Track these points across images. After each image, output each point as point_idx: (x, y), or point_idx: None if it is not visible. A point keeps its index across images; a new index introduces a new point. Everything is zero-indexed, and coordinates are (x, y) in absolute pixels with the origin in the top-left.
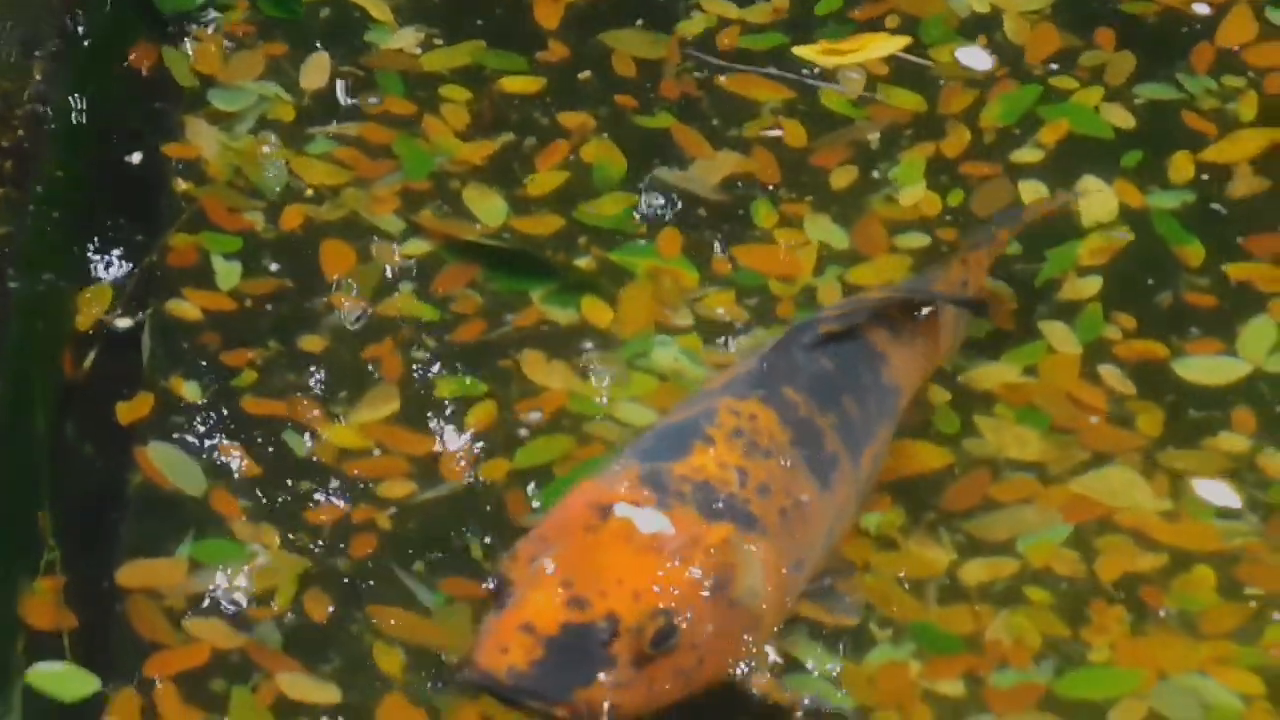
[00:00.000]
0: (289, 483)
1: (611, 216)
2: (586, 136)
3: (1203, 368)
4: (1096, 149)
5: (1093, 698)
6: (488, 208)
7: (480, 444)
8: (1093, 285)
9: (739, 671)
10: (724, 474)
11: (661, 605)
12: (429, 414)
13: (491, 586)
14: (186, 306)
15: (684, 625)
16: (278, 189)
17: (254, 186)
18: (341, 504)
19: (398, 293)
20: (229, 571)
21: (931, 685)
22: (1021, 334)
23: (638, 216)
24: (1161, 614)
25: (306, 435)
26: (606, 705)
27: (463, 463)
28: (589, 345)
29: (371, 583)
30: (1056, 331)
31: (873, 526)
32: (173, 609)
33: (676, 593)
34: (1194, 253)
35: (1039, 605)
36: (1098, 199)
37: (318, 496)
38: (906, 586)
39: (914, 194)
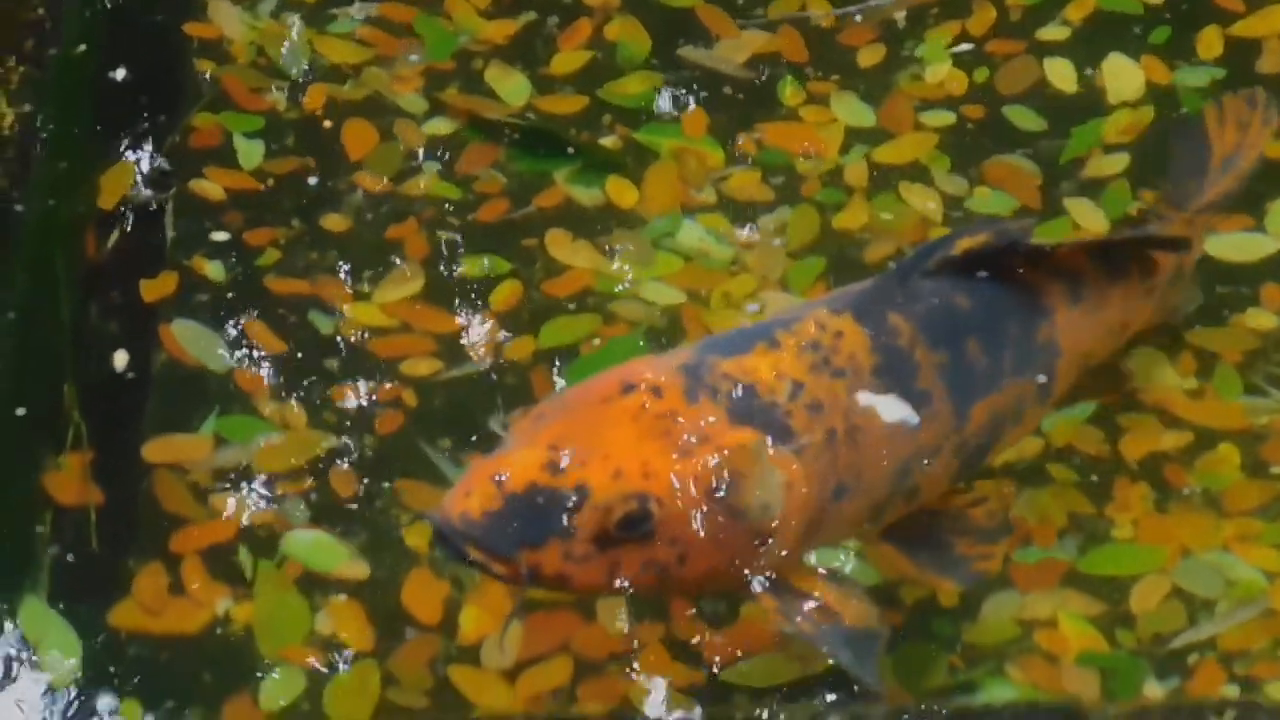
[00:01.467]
0: (313, 361)
1: (636, 95)
2: (610, 14)
3: (1231, 244)
4: (1124, 25)
5: (1116, 574)
6: (511, 87)
7: (505, 323)
8: (1119, 162)
9: (746, 583)
10: (775, 382)
11: (639, 489)
12: (453, 293)
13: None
14: (209, 186)
15: (662, 517)
16: (300, 69)
17: (276, 66)
18: (367, 382)
19: (421, 173)
20: (254, 447)
21: None
22: (1047, 210)
23: (662, 95)
24: (1185, 492)
25: (331, 314)
26: (552, 574)
27: (487, 341)
28: (613, 225)
29: (397, 459)
30: (1081, 208)
31: None
32: (198, 484)
33: (663, 482)
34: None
35: (1063, 483)
36: (1124, 75)
37: (342, 375)
38: None
39: (940, 71)
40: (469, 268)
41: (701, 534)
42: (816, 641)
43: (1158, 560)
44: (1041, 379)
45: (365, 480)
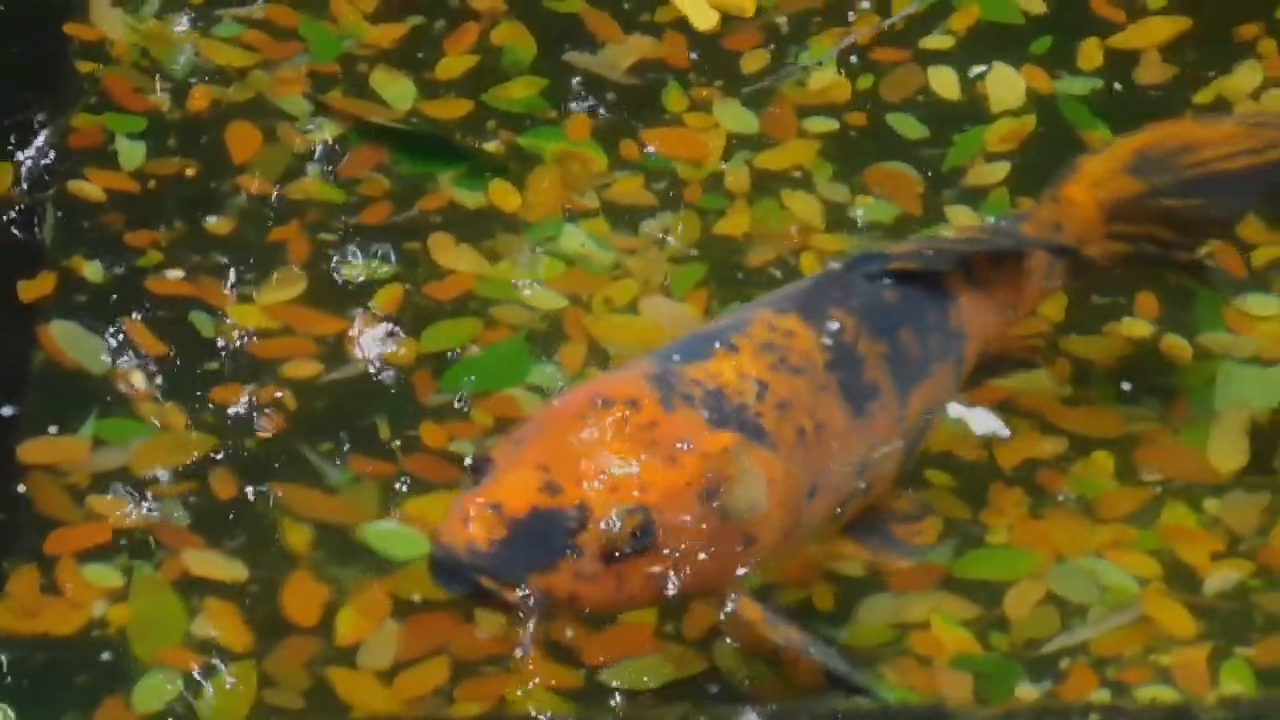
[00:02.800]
0: (194, 363)
1: (521, 100)
2: (497, 19)
3: None
4: (1006, 35)
5: (991, 579)
6: (396, 91)
7: (387, 326)
8: (1000, 170)
9: (734, 588)
10: (741, 384)
11: (640, 502)
12: (336, 296)
13: (470, 463)
14: (89, 187)
15: (661, 527)
16: (184, 70)
17: (160, 67)
18: (248, 384)
19: (305, 175)
20: (133, 450)
21: (833, 565)
22: (927, 218)
23: (547, 100)
24: (1060, 498)
25: (212, 315)
26: (564, 595)
27: (369, 344)
28: (496, 229)
29: (278, 461)
30: (962, 216)
31: None
32: (75, 486)
33: (659, 492)
34: (1101, 138)
35: (940, 488)
36: (1006, 84)
37: (223, 376)
38: None
39: (824, 79)
40: (352, 271)
41: (697, 540)
42: (802, 648)
43: (1032, 565)
44: (956, 363)
45: (245, 482)
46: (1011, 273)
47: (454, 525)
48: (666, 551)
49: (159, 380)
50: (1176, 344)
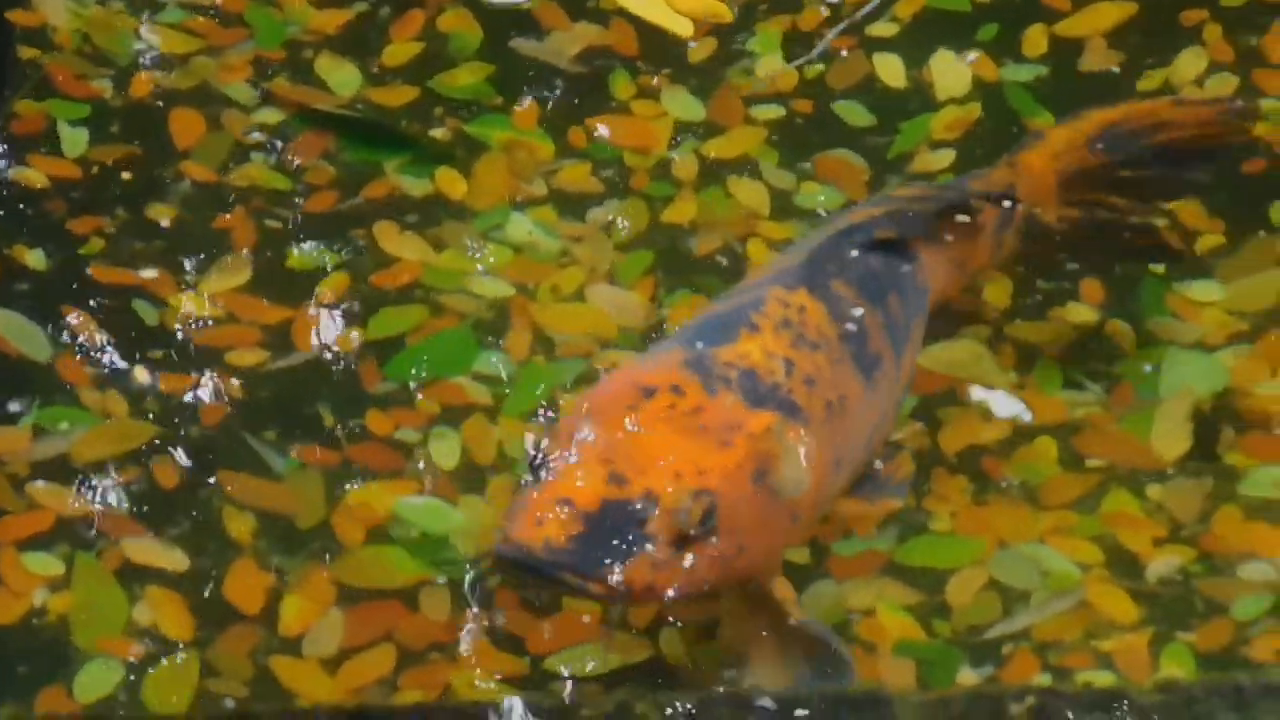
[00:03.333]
0: (138, 351)
1: (467, 87)
2: (443, 6)
3: None
4: (952, 22)
5: (934, 565)
6: (341, 77)
7: (332, 313)
8: (945, 158)
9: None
10: (770, 363)
11: (702, 486)
12: (281, 284)
13: (530, 459)
14: (32, 174)
15: (722, 509)
16: (127, 57)
17: (103, 54)
18: (191, 372)
19: (249, 162)
20: (75, 438)
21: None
22: None
23: (494, 88)
24: (1003, 484)
25: (156, 304)
26: (641, 584)
27: (314, 332)
28: (442, 216)
29: (222, 450)
30: None
31: None
32: (16, 475)
33: (717, 476)
34: (1046, 125)
35: None
36: (952, 72)
37: (167, 365)
38: None
39: (770, 66)
40: (297, 258)
41: (753, 520)
42: (819, 635)
43: (975, 552)
44: (925, 319)
45: (188, 471)
46: (964, 229)
47: (526, 524)
48: (728, 532)
49: (102, 368)
50: (1121, 330)
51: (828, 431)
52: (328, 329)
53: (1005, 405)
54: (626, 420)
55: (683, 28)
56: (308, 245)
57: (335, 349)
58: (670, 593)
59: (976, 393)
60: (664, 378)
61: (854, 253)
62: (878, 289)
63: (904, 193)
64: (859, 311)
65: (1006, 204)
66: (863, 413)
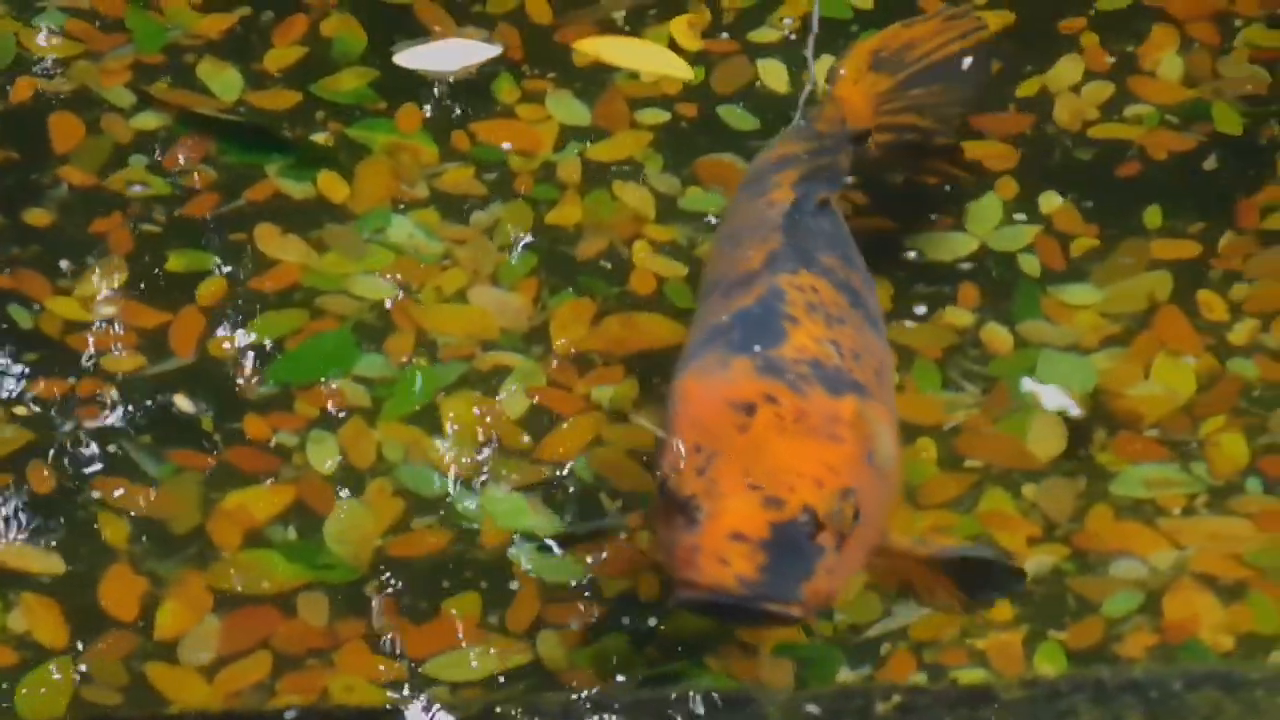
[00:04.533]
0: (12, 355)
1: (350, 91)
2: (327, 10)
3: (931, 243)
4: (833, 29)
5: None
6: (223, 81)
7: (211, 317)
8: None
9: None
10: (824, 349)
11: (843, 485)
12: (159, 288)
13: (668, 503)
14: None
15: (858, 501)
16: (6, 61)
17: None
18: (67, 377)
19: (128, 166)
20: None
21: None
22: None
23: (377, 91)
24: None
25: (31, 308)
26: (825, 593)
27: (192, 336)
28: (324, 219)
29: (97, 455)
30: None
31: (606, 400)
32: None
33: (847, 470)
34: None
35: None
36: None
37: (42, 369)
38: (637, 457)
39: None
40: (175, 262)
41: (877, 500)
42: (952, 552)
43: None
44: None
45: (62, 476)
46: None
47: (710, 566)
48: (866, 519)
49: None
50: (997, 333)
51: (884, 396)
52: (206, 332)
53: (1054, 398)
54: (743, 441)
55: (683, 71)
56: (187, 249)
57: (213, 353)
58: (844, 589)
59: (1027, 384)
60: (753, 390)
61: (814, 220)
62: (845, 250)
63: (788, 149)
64: (848, 277)
65: (864, 137)
66: (890, 369)
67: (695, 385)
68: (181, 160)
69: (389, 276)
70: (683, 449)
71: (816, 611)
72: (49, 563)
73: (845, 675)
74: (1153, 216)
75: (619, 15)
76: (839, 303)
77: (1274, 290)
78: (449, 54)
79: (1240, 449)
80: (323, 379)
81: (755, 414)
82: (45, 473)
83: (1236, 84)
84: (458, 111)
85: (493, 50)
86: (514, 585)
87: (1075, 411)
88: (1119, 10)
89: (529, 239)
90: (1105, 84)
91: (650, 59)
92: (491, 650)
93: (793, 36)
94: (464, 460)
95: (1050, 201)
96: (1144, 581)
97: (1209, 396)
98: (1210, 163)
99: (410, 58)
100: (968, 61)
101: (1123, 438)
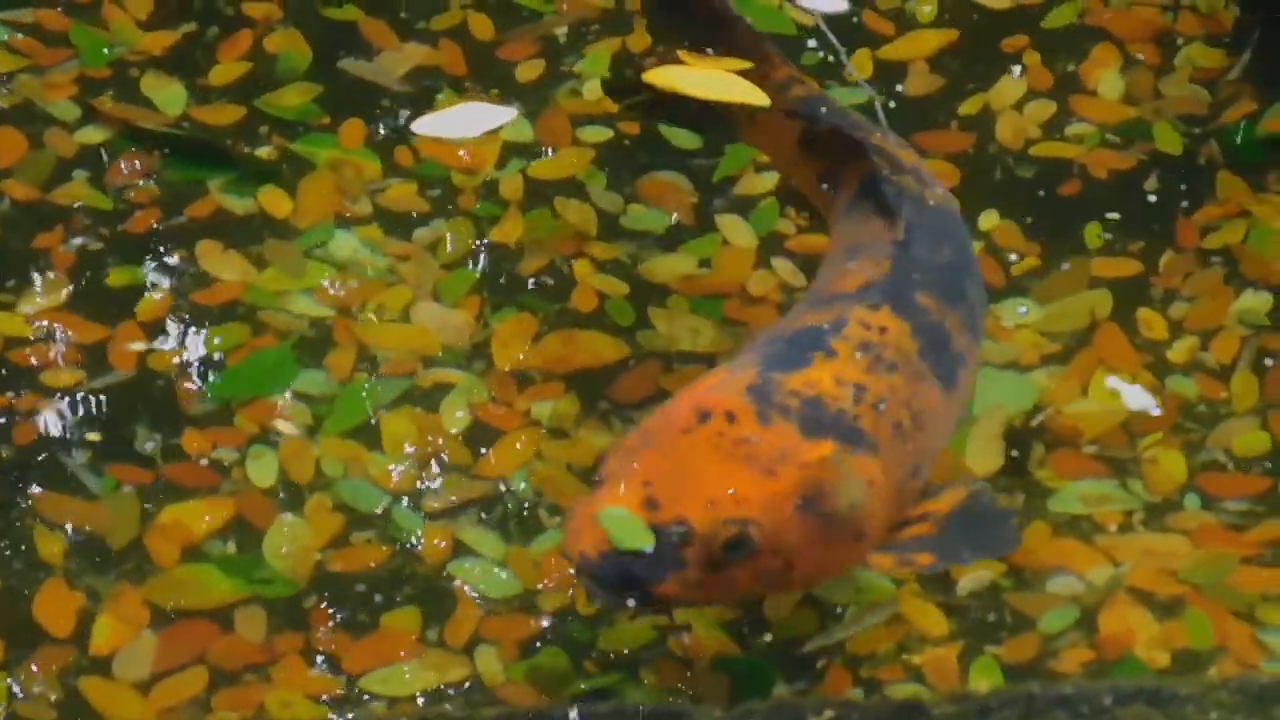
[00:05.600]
0: None
1: (294, 107)
2: (272, 26)
3: None
4: (776, 45)
5: None
6: (167, 96)
7: (151, 333)
8: (769, 181)
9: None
10: (838, 390)
11: (734, 515)
12: (99, 303)
13: (599, 467)
14: None
15: (761, 535)
16: None
17: None
18: (5, 392)
19: (71, 180)
20: None
21: None
22: (698, 227)
23: (320, 107)
24: None
25: None
26: (676, 599)
27: (132, 352)
28: (266, 235)
29: (35, 470)
30: (732, 225)
31: (545, 417)
32: None
33: (756, 504)
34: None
35: None
36: None
37: None
38: (576, 474)
39: (598, 88)
40: (116, 278)
41: (803, 542)
42: (946, 564)
43: None
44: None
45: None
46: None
47: (570, 534)
48: (771, 552)
49: None
50: None
51: (898, 448)
52: (146, 348)
53: (1136, 398)
54: (676, 443)
55: (760, 99)
56: (128, 264)
57: (153, 369)
58: (712, 603)
59: (1111, 382)
60: (722, 403)
61: (928, 249)
62: (956, 284)
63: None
64: (941, 319)
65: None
66: (945, 416)
67: (702, 381)
68: (124, 174)
69: (331, 291)
70: (641, 430)
71: (659, 608)
72: None
73: (781, 690)
74: (1093, 235)
75: (560, 31)
76: (904, 348)
77: (1213, 308)
78: (467, 120)
79: (1179, 466)
80: (264, 394)
81: (704, 424)
82: None
83: (1177, 103)
84: (401, 127)
85: (510, 113)
86: (453, 600)
87: (1155, 412)
88: (1061, 29)
89: (471, 255)
90: (1047, 102)
91: (727, 88)
92: (430, 665)
93: None
94: (404, 476)
95: (991, 219)
96: (1080, 597)
97: (1147, 414)
98: (1151, 182)
99: (430, 125)
100: None
101: (1061, 454)
